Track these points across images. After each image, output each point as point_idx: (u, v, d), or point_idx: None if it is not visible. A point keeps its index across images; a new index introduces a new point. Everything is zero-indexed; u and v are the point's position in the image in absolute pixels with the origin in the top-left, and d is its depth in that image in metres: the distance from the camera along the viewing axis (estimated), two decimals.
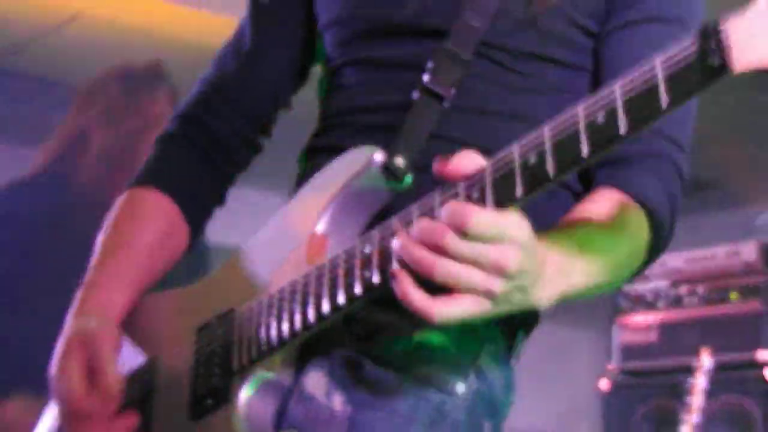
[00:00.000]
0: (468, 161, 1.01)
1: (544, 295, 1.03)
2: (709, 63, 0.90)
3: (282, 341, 1.16)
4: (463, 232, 0.96)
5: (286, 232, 1.24)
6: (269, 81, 1.45)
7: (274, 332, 1.16)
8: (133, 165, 1.52)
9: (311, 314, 1.12)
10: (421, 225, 0.99)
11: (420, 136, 1.22)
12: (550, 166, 0.97)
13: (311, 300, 1.12)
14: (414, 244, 0.99)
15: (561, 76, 1.29)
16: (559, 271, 1.05)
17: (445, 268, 0.97)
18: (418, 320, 1.02)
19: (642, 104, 0.94)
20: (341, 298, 1.09)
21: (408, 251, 0.99)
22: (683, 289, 4.14)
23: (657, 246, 1.23)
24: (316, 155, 1.35)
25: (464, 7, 1.25)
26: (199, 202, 1.44)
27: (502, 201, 0.99)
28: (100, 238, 1.38)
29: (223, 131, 1.43)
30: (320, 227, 1.20)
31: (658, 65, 0.93)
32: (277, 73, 1.45)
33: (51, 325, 1.35)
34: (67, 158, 2.53)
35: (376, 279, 1.05)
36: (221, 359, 1.23)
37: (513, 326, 1.26)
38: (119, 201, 1.41)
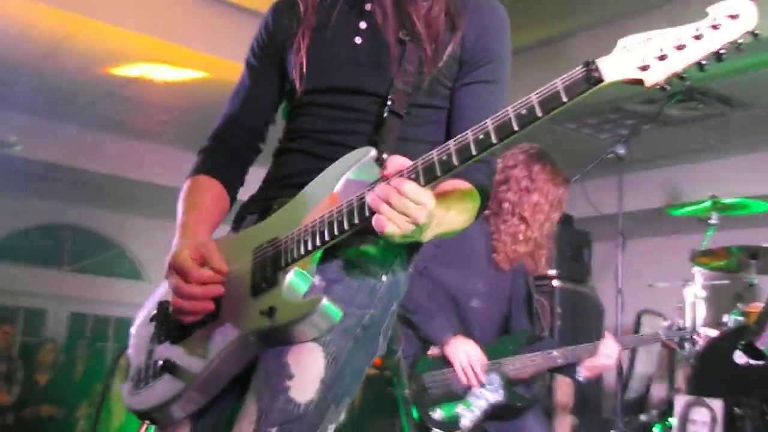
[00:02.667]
0: (399, 163, 1.63)
1: (429, 234, 1.68)
2: (590, 77, 1.45)
3: (315, 248, 1.73)
4: (400, 192, 1.57)
5: (315, 192, 1.81)
6: (261, 109, 2.13)
7: (309, 243, 1.74)
8: None
9: (336, 230, 1.70)
10: (382, 187, 1.60)
11: (393, 139, 1.87)
12: (473, 149, 1.58)
13: (335, 224, 1.70)
14: (378, 197, 1.60)
15: (440, 114, 1.96)
16: (438, 223, 1.67)
17: (388, 211, 1.58)
18: (363, 239, 1.76)
19: (551, 101, 1.48)
20: (347, 224, 1.68)
21: (376, 202, 1.60)
22: None
23: (483, 206, 1.92)
24: (286, 153, 2.04)
25: (394, 77, 1.90)
26: (232, 183, 2.11)
27: (428, 180, 1.59)
28: (181, 204, 1.99)
29: (238, 145, 2.11)
30: (336, 189, 1.77)
31: (558, 81, 1.47)
32: (266, 104, 2.13)
33: None
34: None
35: (366, 215, 1.66)
36: (272, 261, 1.78)
37: (411, 247, 1.95)
38: (187, 183, 2.06)
